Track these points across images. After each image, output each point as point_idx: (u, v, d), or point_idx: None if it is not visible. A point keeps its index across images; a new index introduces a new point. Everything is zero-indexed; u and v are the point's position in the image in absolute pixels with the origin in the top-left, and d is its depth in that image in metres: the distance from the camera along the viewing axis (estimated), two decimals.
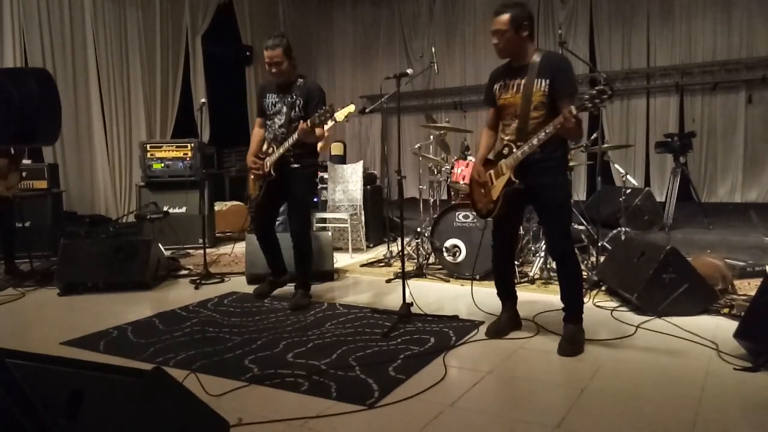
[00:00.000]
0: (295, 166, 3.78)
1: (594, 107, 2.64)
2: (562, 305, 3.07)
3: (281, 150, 3.69)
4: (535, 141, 2.82)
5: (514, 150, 2.91)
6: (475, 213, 3.32)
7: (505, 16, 2.87)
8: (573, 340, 2.95)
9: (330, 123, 4.76)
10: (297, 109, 3.76)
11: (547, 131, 2.77)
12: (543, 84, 2.86)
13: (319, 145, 5.60)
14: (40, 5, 6.84)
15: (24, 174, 5.77)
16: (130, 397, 1.59)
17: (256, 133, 3.99)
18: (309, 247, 4.02)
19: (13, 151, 4.78)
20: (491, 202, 3.05)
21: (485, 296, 3.76)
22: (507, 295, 3.32)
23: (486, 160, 3.13)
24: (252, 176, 3.92)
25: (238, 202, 7.29)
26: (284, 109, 3.78)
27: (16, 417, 1.08)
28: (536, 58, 2.90)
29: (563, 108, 2.74)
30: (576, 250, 3.18)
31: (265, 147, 3.86)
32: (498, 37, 2.90)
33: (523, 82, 2.91)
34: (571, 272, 3.04)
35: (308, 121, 3.60)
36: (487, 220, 3.36)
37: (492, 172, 3.04)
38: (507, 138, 3.00)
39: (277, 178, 3.78)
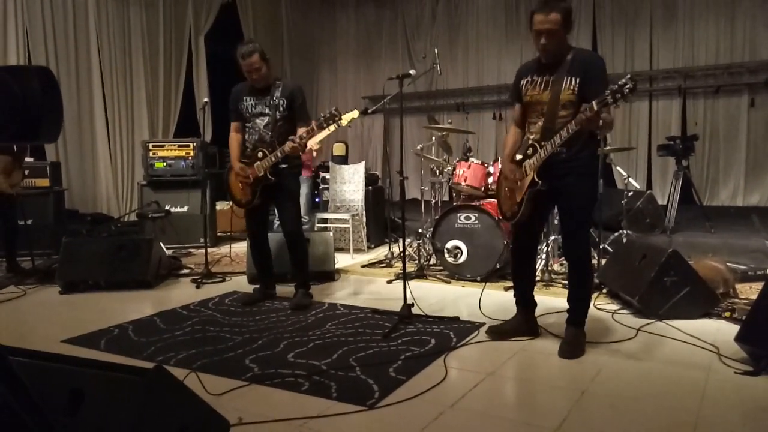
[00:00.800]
0: (284, 166, 3.78)
1: (615, 102, 2.52)
2: (566, 306, 3.05)
3: (279, 154, 3.66)
4: (557, 140, 2.71)
5: (539, 150, 2.80)
6: (500, 215, 3.21)
7: (557, 15, 2.68)
8: (574, 343, 2.94)
9: (333, 127, 4.77)
10: (281, 109, 3.78)
11: (570, 129, 2.67)
12: (573, 82, 2.74)
13: (315, 148, 5.59)
14: (44, 4, 6.85)
15: (27, 172, 5.79)
16: (131, 396, 1.59)
17: (235, 138, 3.92)
18: (305, 246, 4.02)
19: (15, 149, 4.78)
20: (515, 204, 2.96)
21: (485, 298, 3.76)
22: (524, 300, 3.21)
23: (513, 161, 2.98)
24: (239, 182, 3.83)
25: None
26: (267, 111, 3.78)
27: (19, 414, 1.08)
28: (569, 55, 2.77)
29: None
30: (590, 256, 3.06)
31: (249, 150, 3.82)
32: (548, 37, 2.71)
33: (552, 79, 2.79)
34: (583, 277, 3.00)
35: (313, 123, 3.60)
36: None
37: (517, 173, 2.94)
38: (532, 137, 2.87)
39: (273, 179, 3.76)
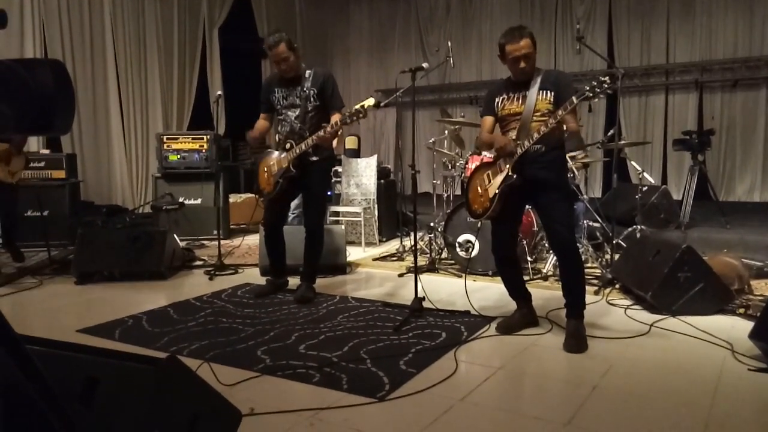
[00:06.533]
0: (314, 158, 3.75)
1: (594, 96, 2.75)
2: (564, 300, 3.08)
3: (303, 147, 3.65)
4: (535, 135, 2.88)
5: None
6: (469, 214, 3.36)
7: (528, 39, 2.96)
8: (579, 336, 2.96)
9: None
10: (312, 99, 3.75)
11: (548, 124, 2.83)
12: (548, 95, 2.98)
13: (335, 141, 5.61)
14: None
15: (42, 163, 5.86)
16: (144, 385, 1.61)
17: (260, 124, 3.94)
18: (321, 242, 4.02)
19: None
20: (487, 201, 3.09)
21: (495, 291, 3.75)
22: (518, 294, 3.31)
23: (484, 163, 3.22)
24: (265, 170, 3.84)
25: (252, 194, 7.33)
26: (298, 102, 3.76)
27: (35, 400, 1.10)
28: (539, 74, 3.03)
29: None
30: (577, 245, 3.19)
31: (281, 141, 3.80)
32: (526, 60, 2.97)
33: (526, 93, 3.02)
34: (576, 265, 3.04)
35: (338, 120, 3.57)
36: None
37: (490, 171, 3.12)
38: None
39: (296, 172, 3.75)
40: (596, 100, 2.84)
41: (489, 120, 3.21)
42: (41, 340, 1.78)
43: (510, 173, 2.98)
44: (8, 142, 4.57)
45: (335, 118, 3.64)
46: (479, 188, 3.18)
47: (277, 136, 3.89)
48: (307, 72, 3.78)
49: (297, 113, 3.76)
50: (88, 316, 3.54)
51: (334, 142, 5.57)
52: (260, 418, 2.19)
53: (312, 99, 3.74)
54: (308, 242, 3.94)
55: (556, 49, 9.34)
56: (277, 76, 3.85)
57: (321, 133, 3.60)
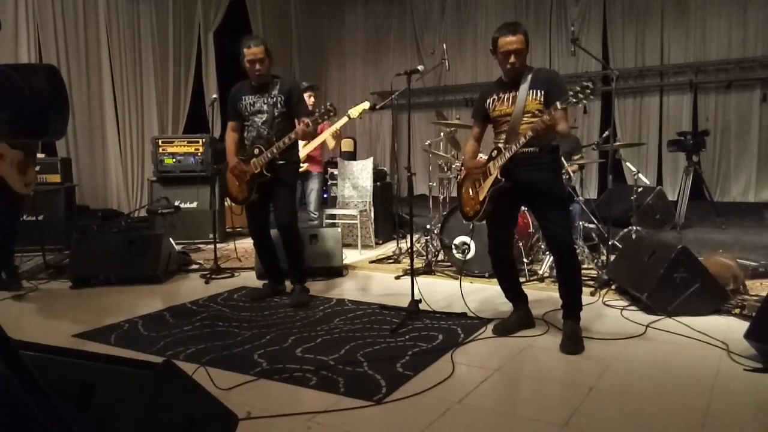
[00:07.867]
0: (281, 162, 3.80)
1: (578, 102, 2.76)
2: (561, 302, 3.09)
3: (274, 150, 3.69)
4: (522, 140, 2.88)
5: (503, 151, 2.98)
6: (461, 216, 3.38)
7: (521, 35, 2.95)
8: (576, 337, 2.96)
9: (343, 120, 4.74)
10: (279, 106, 3.80)
11: (534, 130, 2.83)
12: (538, 94, 2.97)
13: (332, 143, 5.64)
14: (55, 1, 6.90)
15: (38, 168, 5.82)
16: (140, 390, 1.61)
17: (231, 136, 3.95)
18: (299, 241, 4.03)
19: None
20: (478, 204, 3.11)
21: (492, 292, 3.76)
22: (515, 296, 3.32)
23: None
24: (236, 178, 3.85)
25: None
26: (265, 108, 3.81)
27: (30, 407, 1.10)
28: (529, 73, 3.01)
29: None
30: (573, 246, 3.19)
31: (248, 147, 3.84)
32: (517, 56, 2.96)
33: (517, 93, 3.01)
34: (573, 266, 3.05)
35: (308, 120, 3.61)
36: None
37: (481, 174, 3.13)
38: (500, 145, 3.06)
39: (269, 176, 3.78)
40: (579, 105, 2.84)
41: (477, 126, 3.26)
42: (37, 346, 1.78)
43: (498, 177, 2.99)
44: (22, 148, 4.23)
45: (305, 120, 3.67)
46: (470, 191, 3.20)
47: (243, 141, 3.92)
48: (275, 80, 3.86)
49: (264, 119, 3.81)
50: (83, 320, 3.52)
51: (331, 144, 5.62)
52: (257, 423, 2.18)
53: (279, 105, 3.81)
54: (283, 241, 3.95)
55: (551, 51, 9.38)
56: (247, 84, 3.90)
57: (292, 135, 3.65)
